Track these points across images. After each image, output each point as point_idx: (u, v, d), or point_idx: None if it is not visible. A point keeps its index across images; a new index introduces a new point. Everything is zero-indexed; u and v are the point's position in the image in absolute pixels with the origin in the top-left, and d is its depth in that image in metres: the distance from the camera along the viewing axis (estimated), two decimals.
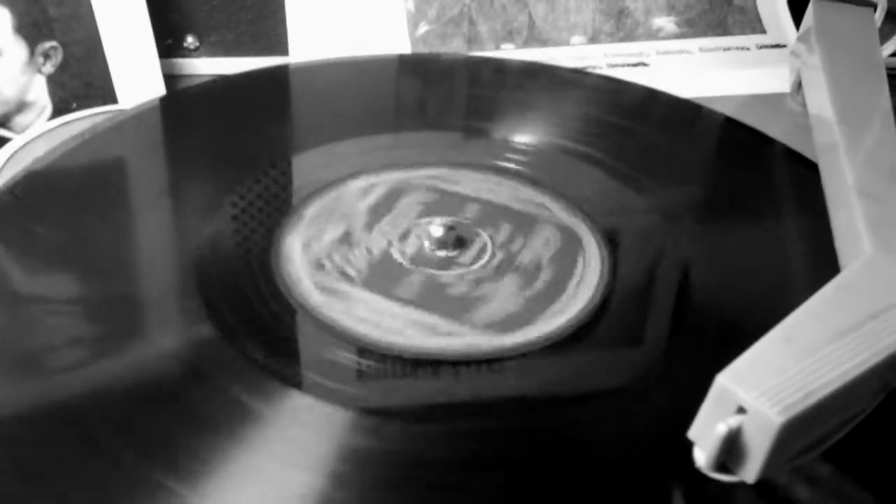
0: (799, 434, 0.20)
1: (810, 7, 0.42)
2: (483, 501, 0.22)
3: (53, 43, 0.38)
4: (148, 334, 0.27)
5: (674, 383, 0.26)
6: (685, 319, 0.29)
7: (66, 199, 0.32)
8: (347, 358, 0.26)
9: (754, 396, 0.20)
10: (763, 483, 0.21)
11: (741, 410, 0.20)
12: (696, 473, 0.21)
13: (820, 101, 0.36)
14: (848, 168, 0.30)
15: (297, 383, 0.25)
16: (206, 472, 0.22)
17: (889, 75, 0.47)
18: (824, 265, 0.29)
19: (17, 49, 0.38)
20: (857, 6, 0.43)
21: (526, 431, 0.24)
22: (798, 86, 0.43)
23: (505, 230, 0.32)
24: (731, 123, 0.40)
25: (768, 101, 0.45)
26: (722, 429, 0.20)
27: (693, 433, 0.21)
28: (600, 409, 0.25)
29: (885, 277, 0.24)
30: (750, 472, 0.20)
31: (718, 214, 0.34)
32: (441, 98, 0.42)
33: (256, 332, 0.27)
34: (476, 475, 0.23)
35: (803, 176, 0.35)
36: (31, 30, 0.38)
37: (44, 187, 0.32)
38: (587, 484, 0.23)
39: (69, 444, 0.23)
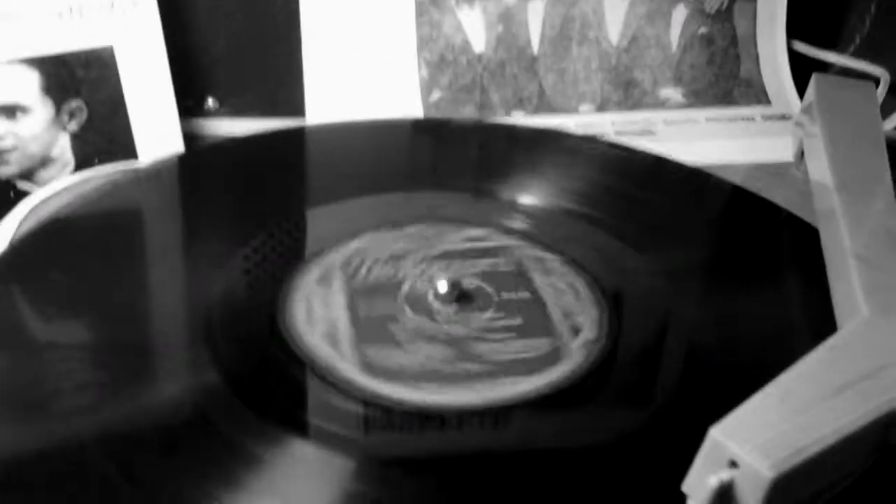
0: (791, 489, 0.21)
1: (812, 81, 0.43)
2: None
3: (79, 102, 0.40)
4: (156, 381, 0.27)
5: (673, 438, 0.26)
6: (685, 376, 0.29)
7: (83, 248, 0.33)
8: (351, 408, 0.27)
9: (746, 451, 0.20)
10: None
11: (733, 464, 0.20)
12: None
13: (820, 170, 0.36)
14: (845, 233, 0.31)
15: (300, 431, 0.25)
16: None
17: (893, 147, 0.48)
18: (823, 326, 0.29)
19: (44, 108, 0.39)
20: (858, 80, 0.44)
21: (528, 481, 0.24)
22: (801, 155, 0.44)
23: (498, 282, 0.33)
24: (735, 190, 0.40)
25: (773, 170, 0.45)
26: (713, 482, 0.20)
27: (686, 486, 0.21)
28: (603, 460, 0.25)
29: (880, 339, 0.25)
30: None
31: (721, 276, 0.34)
32: (451, 161, 0.43)
33: (262, 381, 0.27)
34: None
35: (805, 240, 0.35)
36: (59, 90, 0.39)
37: (62, 236, 0.33)
38: None
39: (77, 486, 0.23)
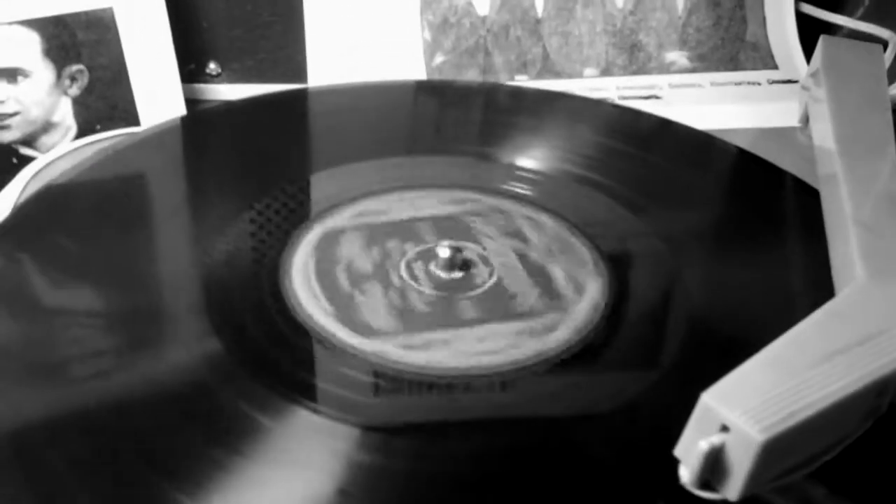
0: (782, 453, 0.21)
1: (819, 43, 0.43)
2: None
3: (80, 66, 0.40)
4: (161, 348, 0.28)
5: (672, 403, 0.26)
6: (687, 341, 0.29)
7: (87, 213, 0.33)
8: (356, 377, 0.27)
9: (737, 415, 0.20)
10: (749, 501, 0.21)
11: (724, 429, 0.21)
12: (683, 491, 0.21)
13: (824, 133, 0.36)
14: (846, 198, 0.31)
15: (305, 400, 0.26)
16: (215, 483, 0.23)
17: None
18: (824, 291, 0.29)
19: (45, 71, 0.39)
20: (866, 43, 0.43)
21: (531, 445, 0.25)
22: (807, 119, 0.43)
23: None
24: (740, 153, 0.40)
25: (778, 135, 0.45)
26: (704, 446, 0.20)
27: (679, 450, 0.22)
28: (601, 426, 0.26)
29: (875, 305, 0.25)
30: (733, 489, 0.21)
31: (723, 240, 0.34)
32: (454, 124, 0.42)
33: (266, 349, 0.28)
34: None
35: (808, 205, 0.35)
36: (59, 53, 0.39)
37: (66, 201, 0.34)
38: (585, 498, 0.23)
39: (84, 453, 0.23)
